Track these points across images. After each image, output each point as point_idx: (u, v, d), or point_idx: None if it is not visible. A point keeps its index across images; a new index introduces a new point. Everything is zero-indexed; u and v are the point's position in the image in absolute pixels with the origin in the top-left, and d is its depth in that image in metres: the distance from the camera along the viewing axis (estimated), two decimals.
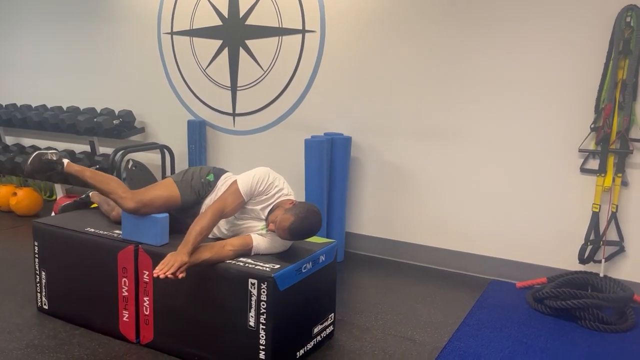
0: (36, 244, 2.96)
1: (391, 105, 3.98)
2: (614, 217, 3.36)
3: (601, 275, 3.39)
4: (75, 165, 2.85)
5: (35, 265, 2.98)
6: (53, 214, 4.03)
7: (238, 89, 4.63)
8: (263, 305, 2.31)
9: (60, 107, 5.42)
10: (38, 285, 2.99)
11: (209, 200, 2.73)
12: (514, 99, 3.58)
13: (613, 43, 3.25)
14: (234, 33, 4.54)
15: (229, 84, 4.66)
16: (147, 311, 2.64)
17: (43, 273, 2.95)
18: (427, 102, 3.85)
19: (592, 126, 3.36)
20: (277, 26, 4.34)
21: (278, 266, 2.37)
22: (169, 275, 2.17)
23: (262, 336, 2.33)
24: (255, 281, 2.31)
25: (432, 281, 3.71)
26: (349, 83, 4.11)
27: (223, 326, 2.43)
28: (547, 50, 3.45)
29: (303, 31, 4.24)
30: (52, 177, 2.79)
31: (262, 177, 2.55)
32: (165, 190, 2.67)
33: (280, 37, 4.34)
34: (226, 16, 4.56)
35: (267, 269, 2.34)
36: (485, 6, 3.60)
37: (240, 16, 4.49)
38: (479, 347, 2.77)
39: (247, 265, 2.39)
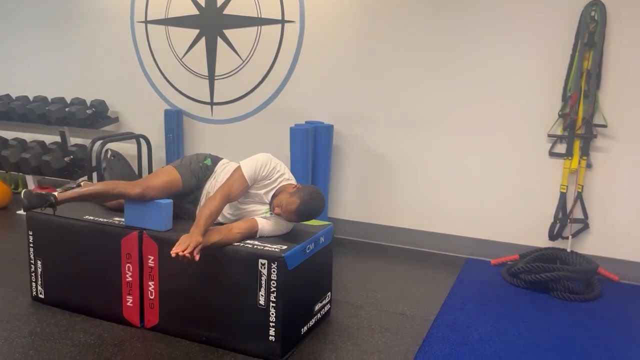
0: (30, 233, 2.95)
1: (371, 94, 4.13)
2: (579, 196, 3.64)
3: (568, 250, 3.67)
4: (66, 192, 2.73)
5: (29, 255, 2.97)
6: None
7: (216, 78, 4.67)
8: (273, 284, 2.42)
9: (26, 97, 5.28)
10: (33, 274, 2.98)
11: (208, 185, 2.81)
12: (489, 89, 3.80)
13: (579, 36, 3.51)
14: (211, 23, 4.57)
15: (206, 73, 4.69)
16: (152, 295, 2.70)
17: (39, 262, 2.95)
18: (407, 91, 4.03)
19: (560, 113, 3.63)
20: (256, 16, 4.40)
21: (285, 247, 2.49)
22: (187, 255, 2.25)
23: (272, 313, 2.44)
24: (265, 261, 2.42)
25: (413, 261, 3.91)
26: (330, 72, 4.23)
27: (232, 306, 2.52)
28: (519, 42, 3.68)
29: (282, 21, 4.32)
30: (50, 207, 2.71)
31: (265, 163, 2.65)
32: (167, 174, 2.73)
33: (259, 27, 4.41)
34: (203, 5, 4.58)
35: (276, 249, 2.45)
36: (462, 1, 3.79)
37: (218, 6, 4.52)
38: (466, 319, 2.98)
39: (255, 246, 2.49)
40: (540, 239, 3.80)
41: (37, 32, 5.33)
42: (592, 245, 3.69)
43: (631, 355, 2.66)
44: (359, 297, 3.23)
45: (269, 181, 2.67)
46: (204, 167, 2.83)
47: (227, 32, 4.54)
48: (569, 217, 3.66)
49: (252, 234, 2.59)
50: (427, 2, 3.88)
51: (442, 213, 4.06)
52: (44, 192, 2.72)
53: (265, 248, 2.47)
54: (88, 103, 5.05)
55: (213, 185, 2.80)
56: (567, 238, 3.70)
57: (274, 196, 2.64)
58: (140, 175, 4.80)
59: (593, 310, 3.18)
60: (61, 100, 5.14)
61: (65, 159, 4.73)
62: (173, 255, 2.24)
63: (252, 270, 2.45)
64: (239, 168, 2.65)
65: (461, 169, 3.96)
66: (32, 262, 2.97)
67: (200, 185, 2.82)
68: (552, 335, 2.83)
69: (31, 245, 2.96)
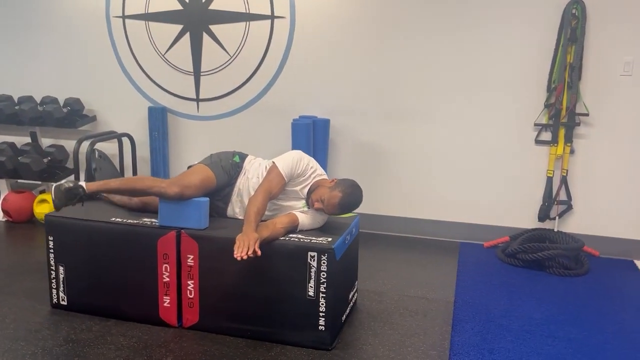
0: (51, 238, 2.85)
1: (363, 87, 4.26)
2: (564, 180, 3.95)
3: (555, 230, 3.98)
4: (94, 182, 2.76)
5: (49, 261, 2.87)
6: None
7: (202, 74, 4.62)
8: (323, 275, 2.50)
9: None
10: (54, 281, 2.89)
11: (239, 182, 2.84)
12: (479, 81, 4.03)
13: (562, 31, 3.79)
14: (196, 18, 4.52)
15: (191, 69, 4.63)
16: (191, 294, 2.70)
17: (61, 268, 2.86)
18: (398, 84, 4.18)
19: (546, 103, 3.91)
20: (244, 12, 4.40)
21: (331, 239, 2.57)
22: (250, 255, 2.28)
23: (322, 304, 2.52)
24: (315, 254, 2.49)
25: (411, 248, 4.09)
26: (321, 67, 4.31)
27: (280, 298, 2.58)
28: (506, 37, 3.92)
29: (272, 17, 4.35)
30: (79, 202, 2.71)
31: (299, 160, 2.72)
32: (201, 172, 2.73)
33: (248, 23, 4.41)
34: (187, 1, 4.51)
35: (324, 242, 2.53)
36: None
37: (203, 1, 4.47)
38: (483, 299, 3.19)
39: (302, 240, 2.56)
40: (527, 221, 4.08)
41: (1, 26, 5.04)
42: (575, 224, 4.02)
43: (635, 322, 2.95)
44: (377, 284, 3.37)
45: (303, 177, 2.74)
46: (234, 164, 2.85)
47: (213, 27, 4.50)
48: (555, 199, 3.96)
49: (294, 228, 2.66)
50: (418, 0, 4.05)
51: (435, 200, 4.26)
52: (72, 185, 2.67)
53: (312, 241, 2.55)
54: (60, 102, 4.85)
55: (244, 182, 2.82)
56: (554, 219, 4.00)
57: (310, 191, 2.71)
58: (123, 175, 4.69)
59: (587, 283, 3.48)
60: (30, 99, 4.89)
61: (44, 160, 4.53)
62: (238, 259, 2.26)
63: (301, 263, 2.51)
64: (275, 166, 2.69)
65: (453, 158, 4.17)
66: (53, 268, 2.88)
67: (231, 182, 2.84)
68: (561, 308, 3.09)
69: (51, 250, 2.86)
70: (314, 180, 2.76)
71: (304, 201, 2.76)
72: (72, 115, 4.76)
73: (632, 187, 3.86)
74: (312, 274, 2.51)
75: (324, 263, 2.49)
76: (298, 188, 2.75)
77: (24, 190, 4.60)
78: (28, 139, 4.93)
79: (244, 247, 2.29)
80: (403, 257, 3.89)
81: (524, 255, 3.71)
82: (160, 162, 4.71)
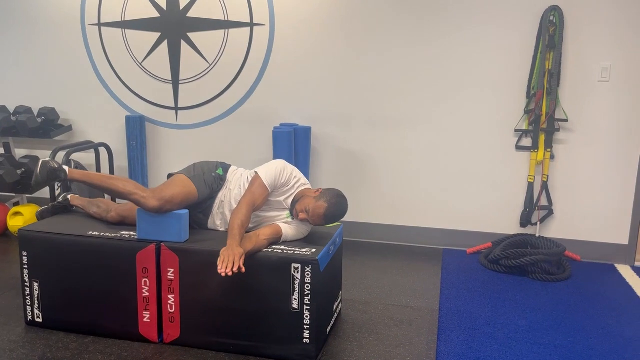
0: (25, 254, 2.76)
1: (344, 94, 4.23)
2: (545, 185, 3.97)
3: (537, 235, 3.99)
4: (77, 170, 2.70)
5: (23, 277, 2.78)
6: None
7: (180, 82, 4.55)
8: (307, 287, 2.45)
9: None
10: (28, 297, 2.79)
11: (221, 195, 2.78)
12: (459, 88, 4.03)
13: (540, 38, 3.82)
14: (173, 26, 4.45)
15: (169, 78, 4.56)
16: (172, 309, 2.63)
17: (35, 284, 2.77)
18: (379, 91, 4.17)
19: (526, 109, 3.93)
20: (223, 19, 4.35)
21: (314, 250, 2.53)
22: (235, 271, 2.23)
23: (307, 316, 2.48)
24: (299, 265, 2.44)
25: (395, 255, 4.07)
26: (302, 74, 4.28)
27: (263, 312, 2.52)
28: (487, 45, 3.94)
29: (251, 24, 4.31)
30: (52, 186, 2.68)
31: (282, 170, 2.67)
32: (184, 186, 2.66)
33: (227, 30, 4.36)
34: (164, 8, 4.45)
35: (308, 253, 2.49)
36: (433, 1, 3.98)
37: (181, 8, 4.41)
38: (467, 306, 3.17)
39: (285, 251, 2.51)
40: (509, 227, 4.10)
41: None
42: (556, 229, 4.04)
43: (619, 327, 2.97)
44: (361, 294, 3.33)
45: (287, 187, 2.69)
46: (217, 177, 2.79)
47: (191, 35, 4.44)
48: (537, 204, 3.98)
49: (277, 239, 2.61)
50: (399, 4, 4.03)
51: (417, 207, 4.25)
52: (56, 166, 2.61)
53: (296, 252, 2.50)
54: (34, 111, 4.74)
55: (226, 194, 2.77)
56: (535, 224, 4.02)
57: (294, 202, 2.67)
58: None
59: (570, 288, 3.50)
60: (2, 108, 4.77)
61: (18, 171, 4.41)
62: (223, 274, 2.20)
63: (284, 275, 2.47)
64: (257, 177, 2.64)
65: (434, 165, 4.17)
66: (27, 284, 2.78)
67: (213, 196, 2.78)
68: (545, 314, 3.09)
69: (25, 266, 2.77)
70: (298, 190, 2.71)
71: (287, 211, 2.71)
72: (47, 125, 4.65)
73: (611, 191, 3.90)
74: (296, 286, 2.47)
75: (308, 275, 2.44)
76: (282, 198, 2.70)
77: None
78: (1, 150, 4.80)
79: (228, 263, 2.23)
80: (386, 264, 3.87)
81: (507, 261, 3.71)
82: (138, 171, 4.63)
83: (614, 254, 3.96)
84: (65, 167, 2.66)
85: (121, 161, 4.70)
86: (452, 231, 4.21)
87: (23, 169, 4.48)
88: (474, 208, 4.14)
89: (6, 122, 4.55)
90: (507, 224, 4.10)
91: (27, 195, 4.68)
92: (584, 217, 3.97)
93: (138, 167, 4.63)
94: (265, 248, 2.54)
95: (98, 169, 4.61)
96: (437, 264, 3.87)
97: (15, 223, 4.28)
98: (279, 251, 2.52)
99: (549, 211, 4.01)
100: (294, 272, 2.46)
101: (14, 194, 4.67)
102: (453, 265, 3.87)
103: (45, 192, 4.52)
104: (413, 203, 4.25)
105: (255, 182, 2.63)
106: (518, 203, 4.04)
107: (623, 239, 3.93)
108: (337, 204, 2.58)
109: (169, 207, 2.58)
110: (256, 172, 2.67)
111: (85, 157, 4.68)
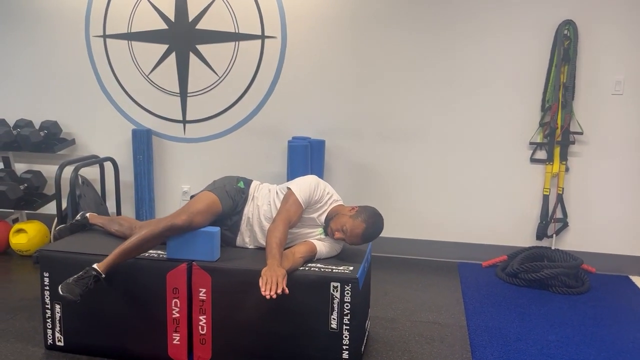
0: (46, 275, 2.65)
1: (357, 108, 4.20)
2: (560, 198, 3.98)
3: (553, 248, 3.99)
4: (107, 260, 2.47)
5: (44, 299, 2.67)
6: None
7: (189, 95, 4.47)
8: (347, 306, 2.39)
9: None
10: (49, 320, 2.68)
11: (247, 211, 2.71)
12: (473, 101, 4.03)
13: (554, 51, 3.84)
14: (182, 38, 4.38)
15: (177, 90, 4.48)
16: (203, 330, 2.54)
17: (57, 307, 2.66)
18: (393, 104, 4.15)
19: (541, 122, 3.94)
20: (234, 31, 4.29)
21: (352, 268, 2.48)
22: (279, 292, 2.16)
23: (346, 336, 2.42)
24: (338, 284, 2.38)
25: (412, 269, 4.03)
26: (313, 87, 4.24)
27: (299, 332, 2.45)
28: (500, 57, 3.95)
29: (262, 37, 4.26)
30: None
31: (316, 185, 2.62)
32: (207, 198, 2.59)
33: (237, 43, 4.31)
34: (172, 20, 4.38)
35: (346, 271, 2.43)
36: (447, 14, 3.98)
37: (190, 20, 4.35)
38: (494, 321, 3.14)
39: (323, 270, 2.45)
40: (524, 239, 4.09)
41: None
42: (571, 241, 4.04)
43: None
44: (385, 311, 3.28)
45: (320, 204, 2.64)
46: (239, 190, 2.72)
47: (200, 47, 4.38)
48: (552, 217, 3.98)
49: (312, 257, 2.55)
50: (412, 16, 4.03)
51: (431, 220, 4.22)
52: (81, 273, 2.43)
53: (334, 270, 2.44)
54: (36, 125, 4.61)
55: (253, 210, 2.70)
56: (551, 237, 4.02)
57: (328, 219, 2.61)
58: (105, 202, 4.46)
59: (591, 301, 3.49)
60: (2, 122, 4.63)
61: (21, 187, 4.27)
62: (268, 297, 2.13)
63: (323, 294, 2.40)
64: (291, 193, 2.58)
65: (449, 178, 4.15)
66: (48, 306, 2.67)
67: (238, 211, 2.70)
68: (574, 329, 3.07)
69: (47, 287, 2.66)
70: (331, 207, 2.66)
71: (320, 228, 2.65)
72: (50, 139, 4.52)
73: (626, 203, 3.92)
74: (335, 305, 2.40)
75: (347, 293, 2.39)
76: (315, 215, 2.64)
77: None
78: (0, 165, 4.66)
79: (272, 285, 2.16)
80: (404, 279, 3.82)
81: (526, 274, 3.69)
82: (145, 186, 4.52)
83: (628, 265, 3.97)
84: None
85: (126, 176, 4.58)
86: (467, 244, 4.18)
87: (25, 185, 4.34)
88: (489, 221, 4.13)
89: (7, 136, 4.40)
90: (522, 237, 4.09)
91: (26, 212, 4.52)
92: (599, 229, 3.99)
93: (145, 181, 4.52)
94: (301, 266, 2.48)
95: (103, 185, 4.49)
96: (454, 278, 3.84)
97: (18, 240, 4.14)
98: (316, 269, 2.46)
99: (564, 223, 4.02)
100: (333, 290, 2.40)
101: (12, 210, 4.52)
102: (471, 279, 3.84)
103: (50, 208, 4.37)
104: (427, 216, 4.22)
105: (290, 199, 2.56)
106: (533, 216, 4.04)
107: (637, 250, 3.96)
108: (375, 223, 2.54)
109: (199, 220, 2.48)
110: (289, 188, 2.61)
111: (90, 172, 4.55)
